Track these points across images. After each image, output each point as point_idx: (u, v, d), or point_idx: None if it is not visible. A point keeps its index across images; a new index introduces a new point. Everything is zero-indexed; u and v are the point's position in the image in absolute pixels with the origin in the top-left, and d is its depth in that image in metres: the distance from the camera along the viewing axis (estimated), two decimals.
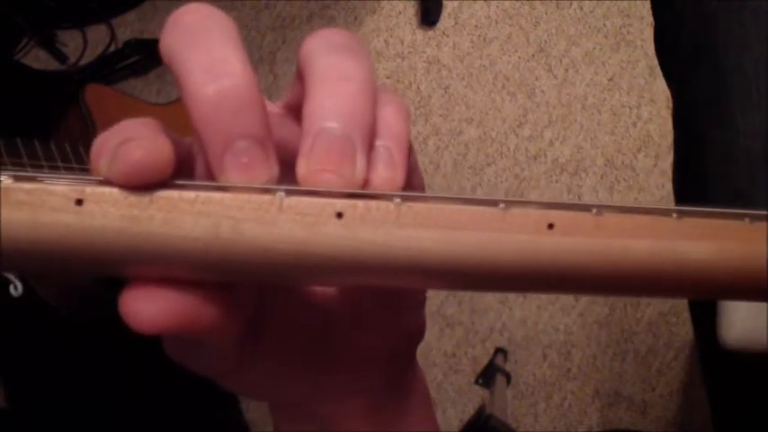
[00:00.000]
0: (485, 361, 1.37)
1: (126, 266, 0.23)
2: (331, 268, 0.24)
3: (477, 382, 1.35)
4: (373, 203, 0.24)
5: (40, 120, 1.24)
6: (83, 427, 1.11)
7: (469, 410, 1.35)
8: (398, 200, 0.24)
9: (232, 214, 0.23)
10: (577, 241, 0.24)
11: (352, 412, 0.34)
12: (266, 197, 0.23)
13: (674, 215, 0.25)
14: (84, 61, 1.44)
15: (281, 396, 0.34)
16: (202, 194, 0.23)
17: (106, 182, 0.23)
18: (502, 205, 0.24)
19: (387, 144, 0.26)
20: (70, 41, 1.46)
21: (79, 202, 0.22)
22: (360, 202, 0.24)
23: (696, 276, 0.25)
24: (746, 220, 0.25)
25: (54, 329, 1.14)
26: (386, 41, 1.54)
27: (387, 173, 0.25)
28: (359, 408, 0.34)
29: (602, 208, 0.25)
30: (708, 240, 0.25)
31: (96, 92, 1.17)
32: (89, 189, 0.22)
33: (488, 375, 1.32)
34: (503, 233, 0.24)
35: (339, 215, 0.23)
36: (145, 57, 1.44)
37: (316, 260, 0.23)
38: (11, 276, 1.11)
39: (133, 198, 0.22)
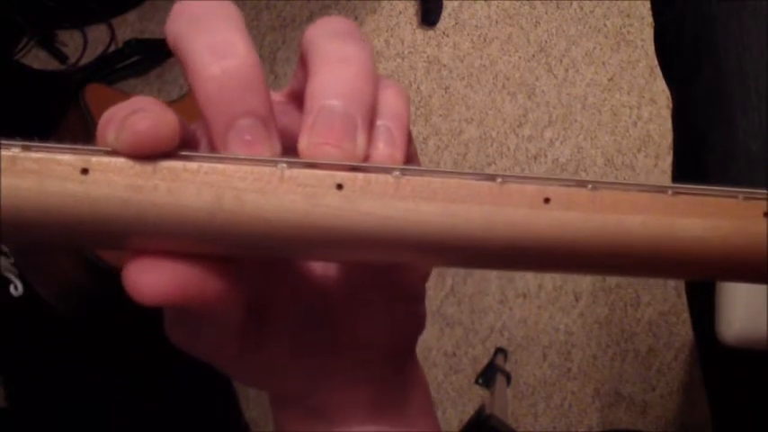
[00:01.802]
0: (485, 361, 1.37)
1: (130, 237, 0.23)
2: (331, 240, 0.24)
3: (477, 382, 1.35)
4: (373, 176, 0.24)
5: (40, 120, 1.24)
6: (83, 426, 1.11)
7: (469, 410, 1.35)
8: (398, 173, 0.24)
9: (234, 185, 0.23)
10: (573, 216, 0.24)
11: (353, 403, 0.34)
12: (268, 168, 0.24)
13: (670, 192, 0.25)
14: (84, 61, 1.44)
15: (282, 383, 0.34)
16: (205, 165, 0.23)
17: (113, 152, 0.23)
18: (499, 180, 0.24)
19: (387, 123, 0.27)
20: (70, 41, 1.46)
21: (85, 171, 0.22)
22: (360, 175, 0.24)
23: (691, 253, 0.25)
24: (740, 197, 0.25)
25: (54, 329, 1.14)
26: (386, 41, 1.54)
27: (387, 149, 0.26)
28: (361, 399, 0.34)
29: (598, 184, 0.25)
30: (702, 217, 0.25)
31: (96, 92, 1.17)
32: (95, 158, 0.23)
33: (488, 375, 1.32)
34: (500, 207, 0.24)
35: (339, 186, 0.24)
36: (145, 57, 1.43)
37: (316, 231, 0.24)
38: (11, 276, 1.11)
39: (138, 168, 0.23)
